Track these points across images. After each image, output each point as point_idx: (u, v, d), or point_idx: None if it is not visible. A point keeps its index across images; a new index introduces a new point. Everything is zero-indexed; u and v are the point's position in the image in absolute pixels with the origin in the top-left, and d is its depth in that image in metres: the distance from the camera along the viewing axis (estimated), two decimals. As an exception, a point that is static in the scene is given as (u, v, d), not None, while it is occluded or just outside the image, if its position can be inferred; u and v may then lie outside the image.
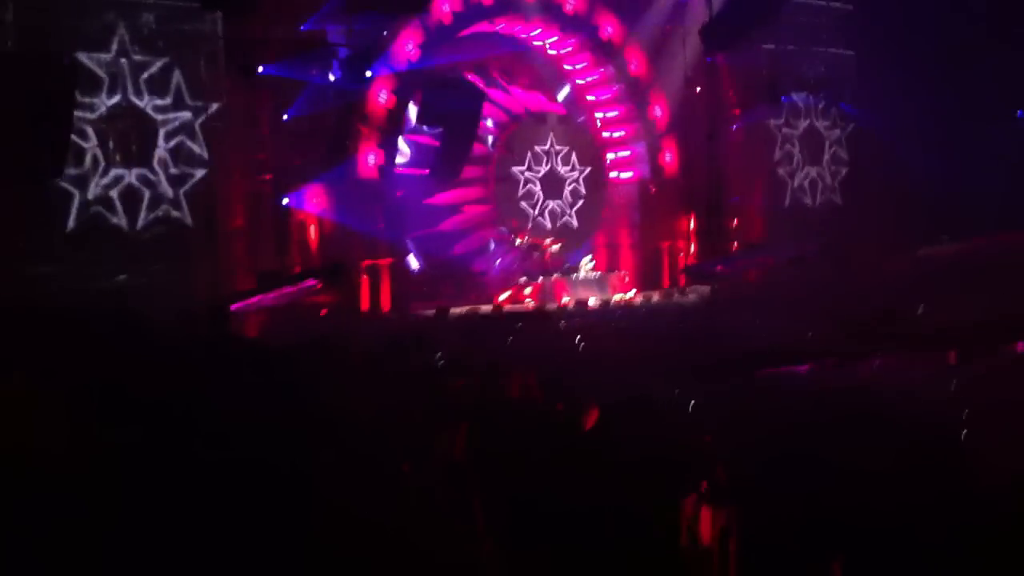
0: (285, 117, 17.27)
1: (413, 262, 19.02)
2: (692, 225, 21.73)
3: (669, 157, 21.46)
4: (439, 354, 10.00)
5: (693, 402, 6.46)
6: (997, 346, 9.27)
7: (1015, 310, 10.39)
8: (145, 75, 16.31)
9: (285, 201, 17.42)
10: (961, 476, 4.78)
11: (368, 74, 17.83)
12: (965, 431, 5.70)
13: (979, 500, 4.34)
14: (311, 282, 16.64)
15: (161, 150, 16.51)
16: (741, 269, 21.16)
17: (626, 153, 21.76)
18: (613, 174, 21.89)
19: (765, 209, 22.35)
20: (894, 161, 20.55)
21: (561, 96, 21.28)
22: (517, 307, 18.80)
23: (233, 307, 15.41)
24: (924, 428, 5.64)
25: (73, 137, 15.44)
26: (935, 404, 6.61)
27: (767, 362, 8.37)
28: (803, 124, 22.85)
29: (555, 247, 20.26)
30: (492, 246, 20.29)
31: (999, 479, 4.29)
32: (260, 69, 16.89)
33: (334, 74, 17.63)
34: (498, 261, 20.20)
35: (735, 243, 21.88)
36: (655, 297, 20.31)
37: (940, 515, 4.32)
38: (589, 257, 20.69)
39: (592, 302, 19.09)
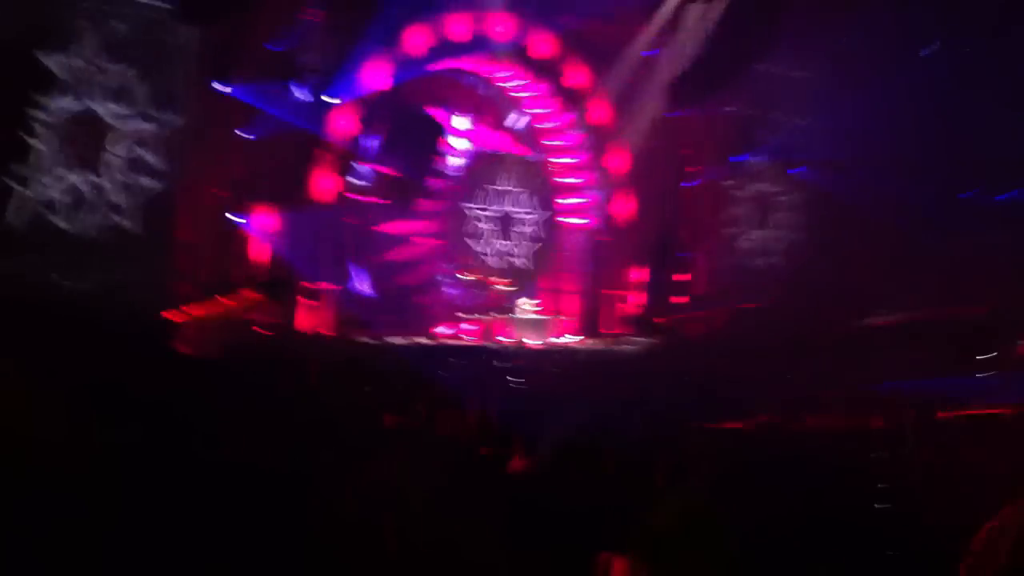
0: (246, 136, 17.18)
1: (357, 289, 18.89)
2: (638, 277, 21.82)
3: (622, 208, 21.54)
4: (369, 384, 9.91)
5: (628, 447, 6.38)
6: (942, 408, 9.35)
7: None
8: (109, 81, 16.15)
9: (236, 218, 17.28)
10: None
11: (332, 100, 17.81)
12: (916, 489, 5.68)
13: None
14: (252, 296, 16.49)
15: (115, 156, 16.32)
16: (684, 322, 21.27)
17: (580, 200, 21.83)
18: (565, 220, 21.94)
19: (713, 266, 22.55)
20: (850, 225, 20.77)
21: (509, 123, 21.21)
22: (456, 342, 18.71)
23: (169, 316, 15.21)
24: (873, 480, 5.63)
25: (24, 136, 15.26)
26: (883, 460, 6.61)
27: (706, 412, 8.37)
28: (757, 186, 23.08)
29: (501, 286, 20.23)
30: (438, 280, 20.22)
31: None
32: (228, 90, 16.82)
33: (298, 98, 17.59)
34: (443, 295, 20.13)
35: (680, 297, 21.99)
36: (594, 344, 20.32)
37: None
38: (536, 301, 20.63)
39: (530, 344, 19.10)
